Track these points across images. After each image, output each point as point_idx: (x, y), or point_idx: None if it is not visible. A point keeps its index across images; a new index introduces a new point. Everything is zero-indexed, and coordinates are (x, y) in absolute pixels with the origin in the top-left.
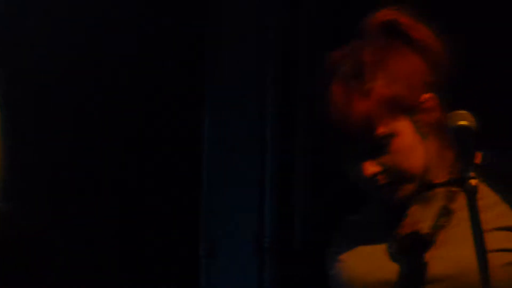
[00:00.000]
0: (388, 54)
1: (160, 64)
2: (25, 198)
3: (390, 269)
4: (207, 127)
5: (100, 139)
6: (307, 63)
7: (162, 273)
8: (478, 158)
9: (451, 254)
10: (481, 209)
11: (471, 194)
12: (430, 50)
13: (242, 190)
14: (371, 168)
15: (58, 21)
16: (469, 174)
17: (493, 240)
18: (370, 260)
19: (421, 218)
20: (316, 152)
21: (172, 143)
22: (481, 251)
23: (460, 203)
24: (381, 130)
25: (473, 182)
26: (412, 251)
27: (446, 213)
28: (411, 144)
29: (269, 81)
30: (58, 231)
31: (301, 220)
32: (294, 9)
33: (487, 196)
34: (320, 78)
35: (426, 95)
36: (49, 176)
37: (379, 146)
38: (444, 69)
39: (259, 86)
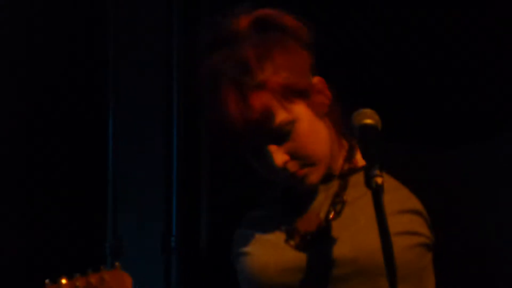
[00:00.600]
0: (269, 46)
1: (63, 61)
2: None
3: (297, 257)
4: (112, 125)
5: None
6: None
7: (67, 271)
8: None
9: (355, 238)
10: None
11: (377, 192)
12: (305, 37)
13: (148, 189)
14: (280, 157)
15: None
16: (375, 172)
17: (398, 222)
18: (276, 249)
19: (320, 209)
20: (219, 155)
21: (77, 140)
22: (387, 246)
23: (353, 192)
24: (281, 118)
25: (379, 180)
26: (315, 243)
27: (339, 201)
28: (312, 127)
29: (175, 79)
30: None
31: (207, 220)
32: None
33: (387, 181)
34: (200, 87)
35: (315, 78)
36: None
37: (282, 135)
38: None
39: (164, 83)
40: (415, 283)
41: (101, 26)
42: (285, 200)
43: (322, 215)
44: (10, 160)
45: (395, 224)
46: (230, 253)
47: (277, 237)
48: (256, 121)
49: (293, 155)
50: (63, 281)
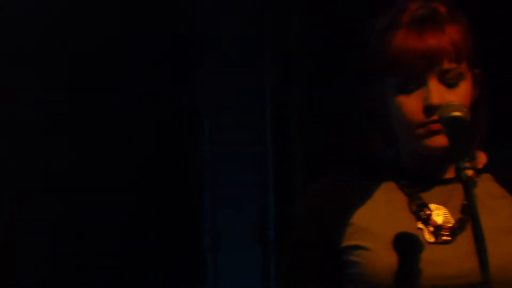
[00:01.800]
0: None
1: (157, 71)
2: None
3: (425, 258)
4: (208, 124)
5: (109, 138)
6: (300, 65)
7: (168, 269)
8: (483, 157)
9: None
10: (499, 208)
11: (468, 184)
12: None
13: (244, 184)
14: (438, 96)
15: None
16: (464, 164)
17: None
18: (400, 248)
19: (448, 202)
20: (312, 149)
21: (175, 140)
22: (481, 243)
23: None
24: (456, 64)
25: (469, 172)
26: (452, 240)
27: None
28: (469, 97)
29: (267, 81)
30: (66, 226)
31: None
32: None
33: (501, 196)
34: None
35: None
36: (61, 176)
37: (447, 81)
38: None
39: (256, 87)
40: None
41: (193, 27)
42: (408, 178)
43: (456, 209)
44: (118, 163)
45: None
46: (334, 241)
47: (408, 222)
48: (440, 48)
49: None
50: None
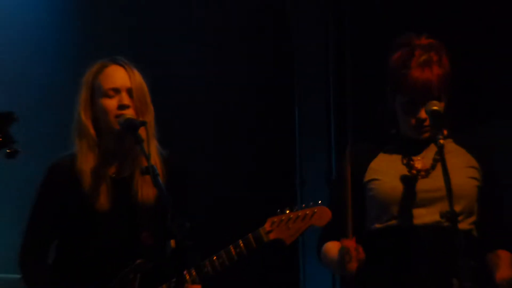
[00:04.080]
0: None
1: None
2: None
3: (415, 183)
4: (297, 106)
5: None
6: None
7: (268, 198)
8: (445, 132)
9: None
10: (455, 156)
11: (441, 147)
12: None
13: (320, 144)
14: (424, 114)
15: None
16: (439, 136)
17: (466, 172)
18: (396, 178)
19: (428, 155)
20: (359, 123)
21: (269, 113)
22: (447, 182)
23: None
24: (440, 93)
25: (441, 141)
26: (426, 175)
27: (441, 153)
28: (444, 104)
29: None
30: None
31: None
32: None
33: (456, 150)
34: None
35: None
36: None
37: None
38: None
39: (330, 82)
40: (467, 204)
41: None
42: (403, 145)
43: (429, 159)
44: (237, 133)
45: (465, 171)
46: (361, 178)
47: (401, 169)
48: (429, 82)
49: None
50: (287, 211)
